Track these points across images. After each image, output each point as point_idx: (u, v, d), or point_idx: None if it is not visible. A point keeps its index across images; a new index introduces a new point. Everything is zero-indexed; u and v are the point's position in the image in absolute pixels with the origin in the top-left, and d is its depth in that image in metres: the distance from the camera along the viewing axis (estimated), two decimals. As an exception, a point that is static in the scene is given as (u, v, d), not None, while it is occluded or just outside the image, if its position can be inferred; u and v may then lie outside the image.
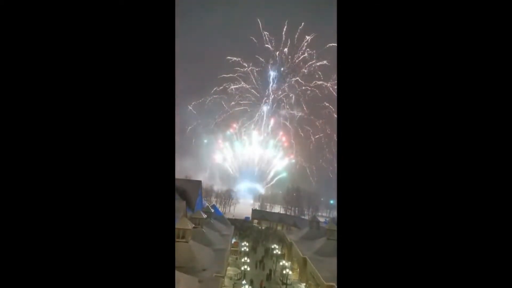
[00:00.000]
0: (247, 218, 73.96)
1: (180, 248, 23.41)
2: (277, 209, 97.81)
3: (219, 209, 72.03)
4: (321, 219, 53.69)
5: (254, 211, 77.36)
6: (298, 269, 34.53)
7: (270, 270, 34.35)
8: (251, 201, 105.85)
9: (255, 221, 70.78)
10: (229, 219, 58.32)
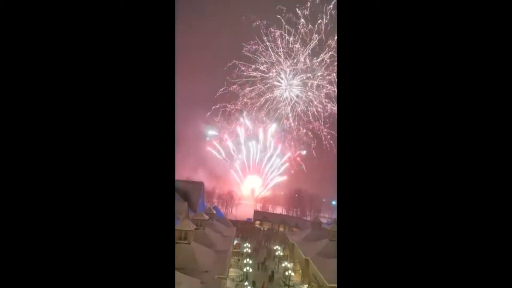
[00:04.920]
0: (249, 219, 73.84)
1: (182, 249, 23.40)
2: (279, 210, 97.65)
3: (221, 211, 71.96)
4: (323, 220, 53.51)
5: (256, 212, 77.25)
6: (300, 271, 34.47)
7: (272, 272, 34.25)
8: (253, 202, 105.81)
9: (257, 222, 70.67)
10: (231, 220, 58.22)
